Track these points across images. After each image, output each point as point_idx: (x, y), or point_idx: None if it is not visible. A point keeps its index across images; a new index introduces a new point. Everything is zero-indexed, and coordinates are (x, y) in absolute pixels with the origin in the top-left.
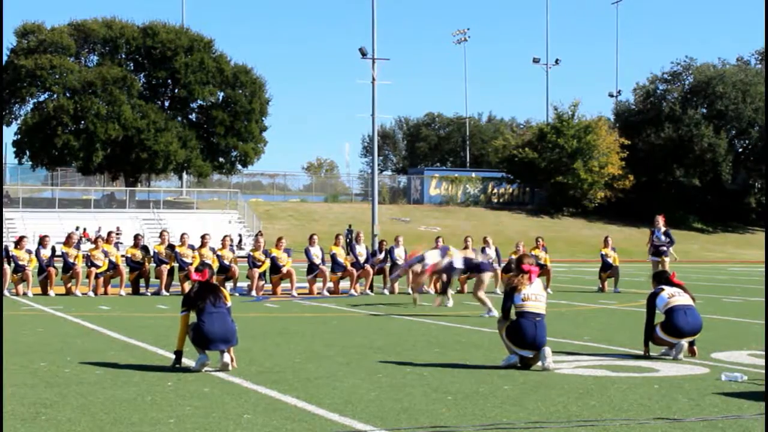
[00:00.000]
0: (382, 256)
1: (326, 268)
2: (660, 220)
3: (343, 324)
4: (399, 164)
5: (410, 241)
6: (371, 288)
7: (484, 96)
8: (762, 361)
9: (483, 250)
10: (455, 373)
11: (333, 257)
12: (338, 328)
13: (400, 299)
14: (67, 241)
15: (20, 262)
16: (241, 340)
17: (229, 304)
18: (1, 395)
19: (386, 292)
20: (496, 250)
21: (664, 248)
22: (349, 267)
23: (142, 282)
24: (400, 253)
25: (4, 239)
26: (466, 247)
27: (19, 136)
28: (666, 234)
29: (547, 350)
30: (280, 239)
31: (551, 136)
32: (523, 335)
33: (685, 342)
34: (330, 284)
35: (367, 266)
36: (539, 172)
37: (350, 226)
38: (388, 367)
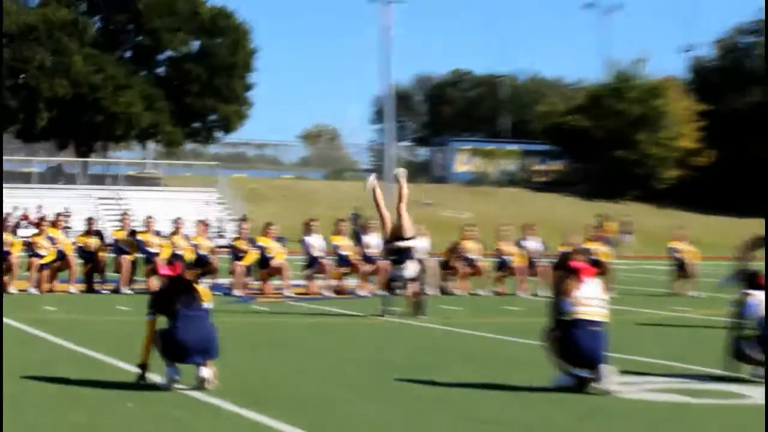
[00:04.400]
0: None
1: (328, 262)
2: None
3: (350, 332)
4: (419, 133)
5: (434, 230)
6: (385, 287)
7: (524, 49)
8: None
9: (521, 242)
10: (492, 396)
11: (335, 248)
12: (343, 338)
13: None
14: (2, 225)
15: None
16: (223, 352)
17: (207, 305)
18: (0, 400)
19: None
20: (541, 242)
21: None
22: (354, 261)
23: (97, 277)
24: (420, 245)
25: None
26: (501, 239)
27: None
28: None
29: (608, 368)
30: (269, 225)
31: (609, 99)
32: (576, 349)
33: None
34: (333, 282)
35: (380, 261)
36: (594, 144)
37: (357, 209)
38: (406, 387)
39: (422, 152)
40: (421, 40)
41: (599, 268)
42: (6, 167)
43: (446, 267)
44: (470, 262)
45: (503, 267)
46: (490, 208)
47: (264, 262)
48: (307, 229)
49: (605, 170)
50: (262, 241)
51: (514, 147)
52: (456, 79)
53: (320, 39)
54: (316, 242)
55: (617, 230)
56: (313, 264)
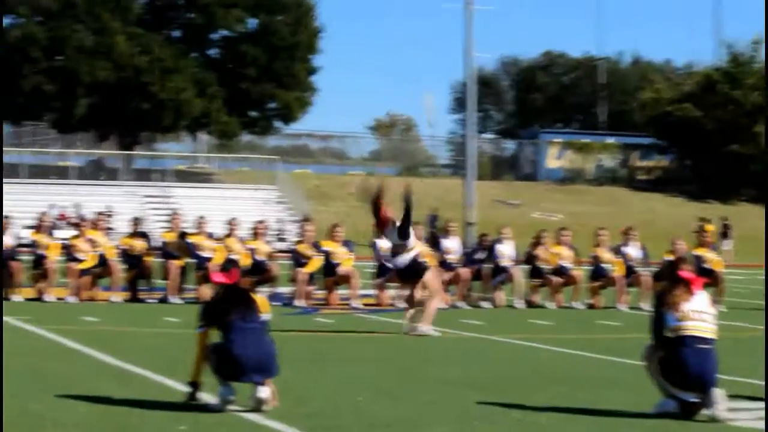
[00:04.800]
0: (481, 254)
1: None
2: None
3: (427, 348)
4: (505, 124)
5: (520, 234)
6: (466, 299)
7: (626, 29)
8: None
9: (621, 248)
10: (584, 422)
11: None
12: (419, 355)
13: (506, 315)
14: (38, 226)
15: None
16: (283, 369)
17: (265, 317)
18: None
19: (486, 304)
20: (643, 249)
21: None
22: (435, 268)
23: (142, 284)
24: (505, 251)
25: None
26: (597, 245)
27: None
28: None
29: (719, 393)
30: (335, 227)
31: (723, 86)
32: (682, 370)
33: None
34: (407, 292)
35: (460, 269)
36: (705, 137)
37: (435, 210)
38: (489, 410)
39: (509, 145)
40: (507, 18)
41: (709, 278)
42: (41, 161)
43: (534, 276)
44: (563, 272)
45: (599, 276)
46: (584, 210)
47: (329, 269)
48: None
49: (717, 167)
50: (328, 246)
51: (613, 140)
52: (547, 62)
53: (394, 17)
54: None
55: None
56: (384, 272)
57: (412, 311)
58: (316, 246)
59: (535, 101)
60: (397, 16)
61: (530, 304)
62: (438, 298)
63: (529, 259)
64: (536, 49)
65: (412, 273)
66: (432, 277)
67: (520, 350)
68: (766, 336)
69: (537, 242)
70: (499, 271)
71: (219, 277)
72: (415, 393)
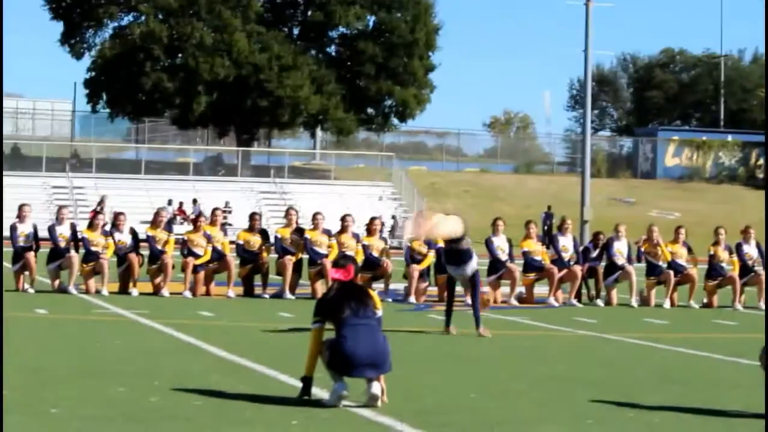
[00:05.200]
0: (596, 252)
1: (516, 267)
2: None
3: (539, 346)
4: (622, 121)
5: (636, 231)
6: (578, 297)
7: (748, 25)
8: None
9: (739, 247)
10: (699, 422)
11: (525, 253)
12: (532, 353)
13: (620, 313)
14: (155, 221)
15: (93, 248)
16: (396, 366)
17: (379, 313)
18: (1, 402)
19: (600, 302)
20: (759, 248)
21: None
22: (548, 266)
23: (257, 280)
24: (621, 249)
25: (72, 213)
26: (716, 243)
27: (93, 74)
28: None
29: None
30: None
31: None
32: None
33: None
34: (521, 289)
35: (575, 266)
36: None
37: (550, 208)
38: (602, 409)
39: (626, 143)
40: (626, 15)
41: None
42: (160, 157)
43: (650, 274)
44: (678, 270)
45: (716, 275)
46: (701, 208)
47: (443, 265)
48: (494, 229)
49: None
50: (441, 243)
51: (734, 138)
52: (666, 59)
53: (512, 14)
54: (502, 244)
55: None
56: (498, 269)
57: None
58: (429, 243)
59: (653, 99)
60: (516, 14)
61: (645, 303)
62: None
63: (643, 256)
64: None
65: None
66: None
67: (634, 349)
68: (766, 337)
69: (647, 238)
70: (614, 269)
71: (336, 273)
72: (527, 391)
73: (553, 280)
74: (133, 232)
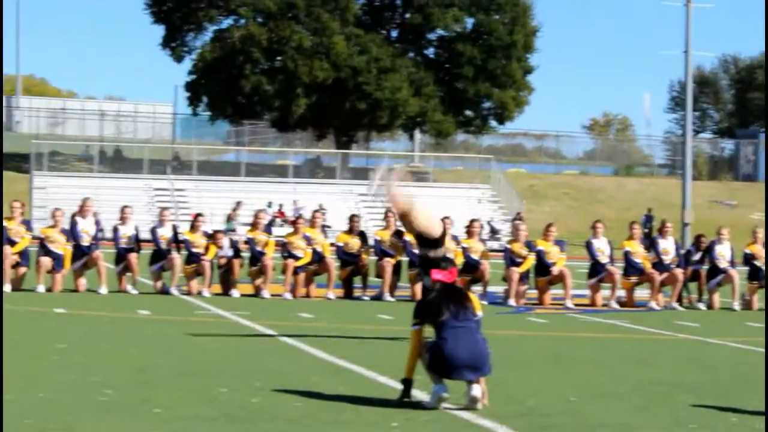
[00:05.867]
0: (698, 255)
1: (616, 270)
2: None
3: (640, 350)
4: (723, 123)
5: (738, 234)
6: (679, 300)
7: None
8: None
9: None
10: None
11: (626, 255)
12: (632, 356)
13: (723, 317)
14: (254, 223)
15: (195, 250)
16: (496, 368)
17: (479, 315)
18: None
19: (702, 306)
20: None
21: None
22: (648, 269)
23: (357, 281)
24: (723, 252)
25: (173, 215)
26: None
27: (194, 77)
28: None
29: None
30: (549, 227)
31: None
32: None
33: None
34: (621, 292)
35: (676, 270)
36: None
37: (650, 210)
38: (705, 413)
39: (727, 145)
40: (727, 15)
41: None
42: (260, 159)
43: (752, 278)
44: None
45: None
46: None
47: (542, 268)
48: (594, 231)
49: None
50: (541, 245)
51: None
52: None
53: (610, 15)
54: (602, 246)
55: None
56: (598, 272)
57: None
58: (530, 245)
59: (755, 100)
60: (615, 15)
61: (747, 307)
62: None
63: (748, 259)
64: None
65: None
66: None
67: (737, 353)
68: (766, 338)
69: (753, 241)
70: (717, 272)
71: (438, 275)
72: (628, 394)
73: (654, 283)
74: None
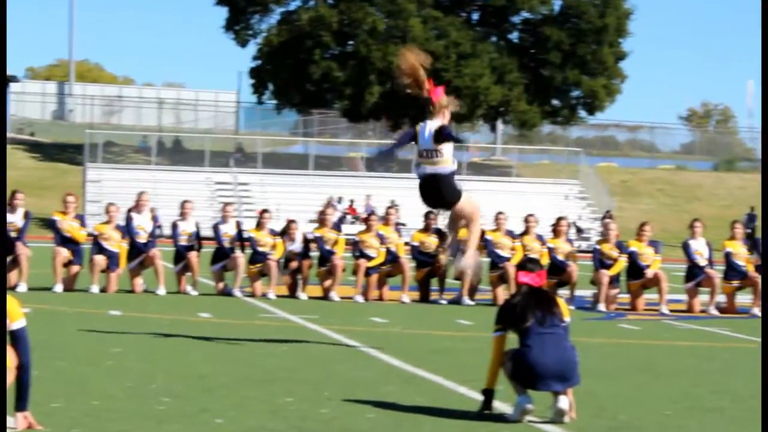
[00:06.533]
0: None
1: (716, 273)
2: None
3: (741, 360)
4: None
5: None
6: None
7: None
8: None
9: None
10: None
11: (727, 257)
12: (732, 367)
13: None
14: (322, 220)
15: (260, 249)
16: (584, 378)
17: (567, 321)
18: (3, 400)
19: None
20: None
21: None
22: (751, 272)
23: (434, 284)
24: None
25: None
26: None
27: (259, 63)
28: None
29: None
30: (643, 226)
31: None
32: None
33: None
34: (721, 297)
35: None
36: None
37: (753, 209)
38: None
39: None
40: None
41: None
42: (330, 151)
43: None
44: None
45: None
46: None
47: (636, 271)
48: (692, 231)
49: None
50: (634, 246)
51: None
52: None
53: None
54: (700, 248)
55: None
56: (696, 275)
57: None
58: (621, 246)
59: None
60: None
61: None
62: (476, 224)
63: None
64: None
65: (434, 193)
66: (466, 203)
67: None
68: (763, 340)
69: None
70: None
71: (525, 277)
72: (727, 408)
73: (757, 288)
74: (305, 239)
